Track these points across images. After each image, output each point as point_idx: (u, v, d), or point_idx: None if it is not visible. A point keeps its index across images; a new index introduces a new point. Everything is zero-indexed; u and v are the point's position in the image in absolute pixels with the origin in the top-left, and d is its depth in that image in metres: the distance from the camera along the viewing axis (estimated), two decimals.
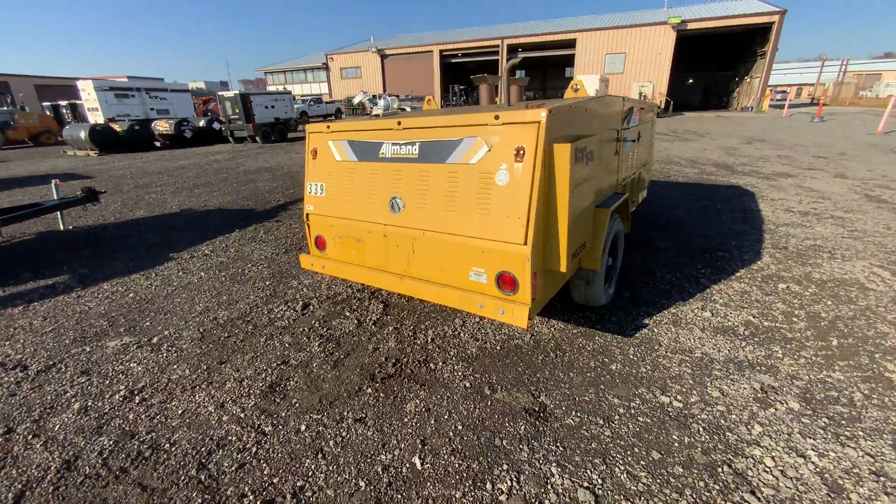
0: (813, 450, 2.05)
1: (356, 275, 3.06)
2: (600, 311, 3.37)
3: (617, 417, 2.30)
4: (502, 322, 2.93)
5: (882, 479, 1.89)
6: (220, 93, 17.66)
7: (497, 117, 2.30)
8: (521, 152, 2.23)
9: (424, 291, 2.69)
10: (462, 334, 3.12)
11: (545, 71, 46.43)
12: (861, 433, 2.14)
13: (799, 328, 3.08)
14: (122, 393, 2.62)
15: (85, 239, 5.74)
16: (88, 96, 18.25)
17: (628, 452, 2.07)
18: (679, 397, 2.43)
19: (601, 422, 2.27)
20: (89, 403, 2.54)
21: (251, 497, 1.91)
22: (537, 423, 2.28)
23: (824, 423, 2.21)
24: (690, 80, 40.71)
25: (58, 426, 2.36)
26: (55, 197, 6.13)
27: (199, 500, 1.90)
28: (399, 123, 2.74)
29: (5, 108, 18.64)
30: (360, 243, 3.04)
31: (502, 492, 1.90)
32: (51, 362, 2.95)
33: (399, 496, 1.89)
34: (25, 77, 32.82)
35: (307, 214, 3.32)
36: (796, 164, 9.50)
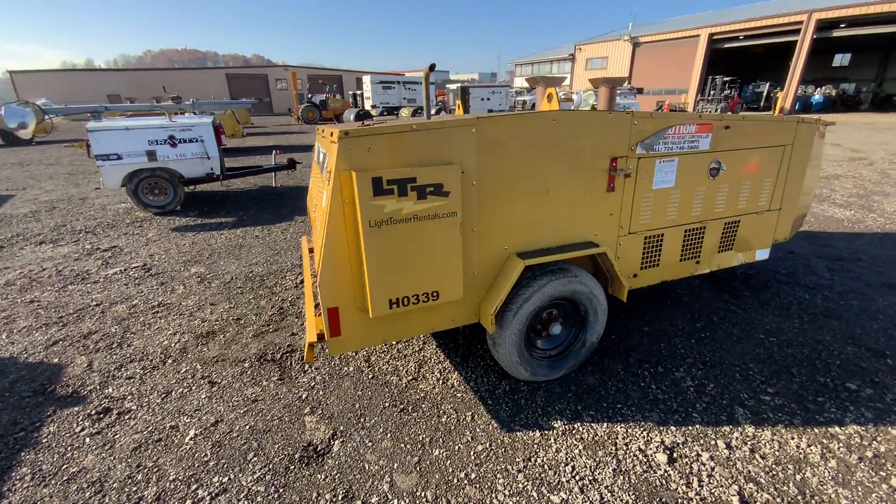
0: None
1: (305, 266, 3.38)
2: (518, 387, 2.63)
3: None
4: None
5: None
6: (447, 85, 20.15)
7: (334, 133, 2.14)
8: (331, 175, 2.03)
9: (307, 295, 2.80)
10: (366, 352, 3.05)
11: (888, 54, 32.26)
12: None
13: None
14: (154, 304, 3.83)
15: (275, 195, 8.01)
16: (366, 87, 24.06)
17: None
18: None
19: (340, 498, 1.95)
20: (138, 304, 3.84)
21: (104, 402, 2.61)
22: (299, 461, 2.15)
23: None
24: None
25: (115, 311, 3.70)
26: (272, 163, 8.72)
27: (92, 387, 2.74)
28: (323, 131, 2.83)
29: (324, 95, 26.56)
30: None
31: (196, 495, 1.97)
32: (160, 272, 4.52)
33: (147, 455, 2.23)
34: (352, 72, 45.46)
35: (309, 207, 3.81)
36: None
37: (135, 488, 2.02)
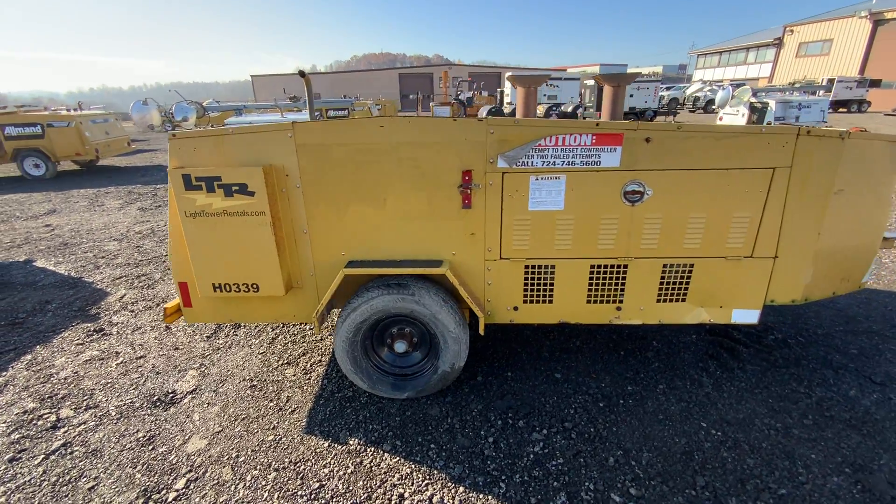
0: None
1: None
2: (358, 396, 2.58)
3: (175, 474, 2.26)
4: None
5: None
6: (585, 81, 18.74)
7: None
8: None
9: None
10: (286, 331, 3.37)
11: None
12: None
13: None
14: None
15: None
16: (507, 84, 24.09)
17: (114, 469, 2.17)
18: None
19: (145, 439, 2.32)
20: None
21: (104, 325, 3.56)
22: (153, 402, 2.61)
23: None
24: None
25: (168, 262, 4.88)
26: None
27: (109, 312, 3.75)
28: None
29: (471, 93, 27.68)
30: None
31: (81, 402, 2.61)
32: None
33: (86, 368, 3.00)
34: (505, 67, 45.97)
35: None
36: None
37: (59, 386, 2.79)
